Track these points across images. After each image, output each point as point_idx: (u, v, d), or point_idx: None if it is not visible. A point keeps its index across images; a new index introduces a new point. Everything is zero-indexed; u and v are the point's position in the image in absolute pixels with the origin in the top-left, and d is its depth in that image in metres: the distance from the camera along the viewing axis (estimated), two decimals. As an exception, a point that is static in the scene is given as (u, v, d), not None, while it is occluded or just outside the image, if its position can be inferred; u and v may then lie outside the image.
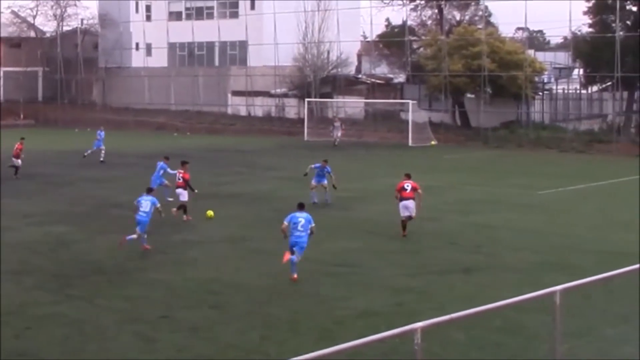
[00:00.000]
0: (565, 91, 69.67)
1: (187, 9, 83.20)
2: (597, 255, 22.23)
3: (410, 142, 59.14)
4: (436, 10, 73.10)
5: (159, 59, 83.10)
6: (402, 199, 24.62)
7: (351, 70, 77.77)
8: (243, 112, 77.12)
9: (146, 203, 22.35)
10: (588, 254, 22.51)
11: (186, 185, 27.74)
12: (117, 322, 16.05)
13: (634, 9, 61.84)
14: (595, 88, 69.13)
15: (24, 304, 17.22)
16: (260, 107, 76.16)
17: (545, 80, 68.83)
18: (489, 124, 62.73)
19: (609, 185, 38.30)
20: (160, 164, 31.42)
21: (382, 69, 76.96)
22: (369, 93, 72.99)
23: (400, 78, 74.60)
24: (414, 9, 73.72)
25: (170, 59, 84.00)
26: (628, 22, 61.48)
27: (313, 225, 19.62)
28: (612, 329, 15.24)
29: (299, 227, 19.37)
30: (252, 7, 78.33)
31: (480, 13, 70.75)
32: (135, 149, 46.78)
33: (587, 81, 67.19)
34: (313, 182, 31.09)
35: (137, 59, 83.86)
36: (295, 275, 19.19)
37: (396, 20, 76.13)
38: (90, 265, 20.91)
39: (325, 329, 15.52)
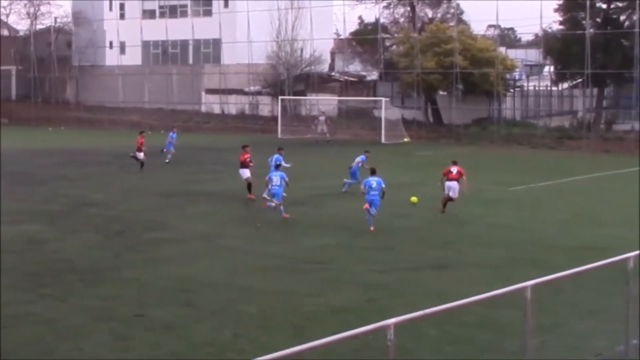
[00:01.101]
0: (536, 88, 70.30)
1: (160, 7, 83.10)
2: (568, 251, 22.42)
3: (383, 139, 59.39)
4: (409, 8, 73.42)
5: (133, 57, 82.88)
6: (448, 180, 28.31)
7: (324, 68, 77.96)
8: (217, 110, 77.10)
9: (276, 178, 26.63)
10: (558, 249, 22.70)
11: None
12: (91, 320, 16.02)
13: (604, 6, 62.49)
14: (565, 85, 69.84)
15: (-4, 304, 17.15)
16: (234, 105, 76.17)
17: (517, 77, 69.42)
18: (461, 121, 63.12)
19: (579, 181, 38.67)
20: (276, 156, 32.56)
21: (355, 67, 77.22)
22: (342, 90, 73.24)
23: (373, 75, 74.86)
24: (387, 7, 74.00)
25: (144, 57, 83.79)
26: (598, 20, 62.08)
27: (384, 186, 24.73)
28: (582, 323, 15.44)
29: (373, 188, 24.51)
30: (226, 5, 78.35)
31: (452, 11, 71.09)
32: (109, 148, 46.59)
33: (558, 78, 67.83)
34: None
35: (111, 58, 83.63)
36: (372, 228, 24.48)
37: (369, 18, 76.44)
38: (64, 264, 20.84)
39: (297, 325, 15.59)
